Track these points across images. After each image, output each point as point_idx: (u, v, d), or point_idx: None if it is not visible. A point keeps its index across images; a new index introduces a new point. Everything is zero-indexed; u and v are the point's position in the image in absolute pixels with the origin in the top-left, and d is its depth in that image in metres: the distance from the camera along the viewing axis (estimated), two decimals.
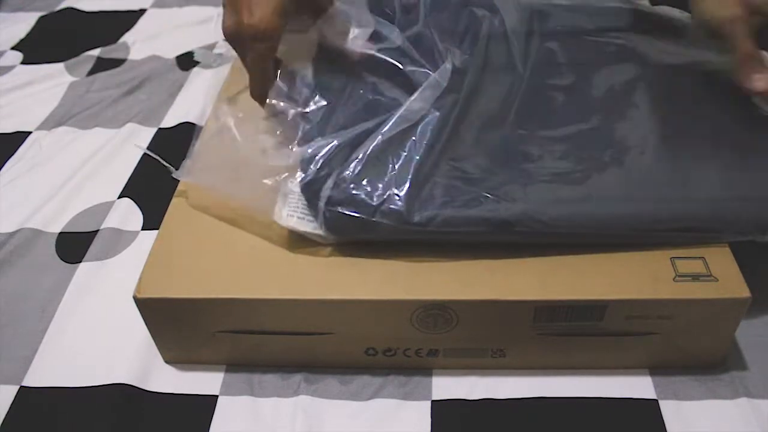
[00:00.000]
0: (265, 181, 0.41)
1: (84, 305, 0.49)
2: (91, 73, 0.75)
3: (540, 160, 0.43)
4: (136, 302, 0.40)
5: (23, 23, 0.85)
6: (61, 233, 0.55)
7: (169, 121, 0.67)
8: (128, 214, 0.56)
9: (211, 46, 0.77)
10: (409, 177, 0.40)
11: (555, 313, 0.39)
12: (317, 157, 0.41)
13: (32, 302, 0.49)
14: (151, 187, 0.58)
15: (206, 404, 0.42)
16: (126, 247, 0.53)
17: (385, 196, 0.39)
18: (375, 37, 0.46)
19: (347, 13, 0.46)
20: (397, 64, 0.46)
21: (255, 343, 0.43)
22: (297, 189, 0.41)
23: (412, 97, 0.43)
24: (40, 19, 0.86)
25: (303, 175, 0.41)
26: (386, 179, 0.40)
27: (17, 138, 0.66)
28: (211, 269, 0.41)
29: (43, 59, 0.77)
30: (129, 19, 0.85)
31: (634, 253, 0.40)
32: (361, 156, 0.41)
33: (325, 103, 0.44)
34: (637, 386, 0.42)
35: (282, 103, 0.43)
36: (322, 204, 0.40)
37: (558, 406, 0.41)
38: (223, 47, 0.77)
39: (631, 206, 0.41)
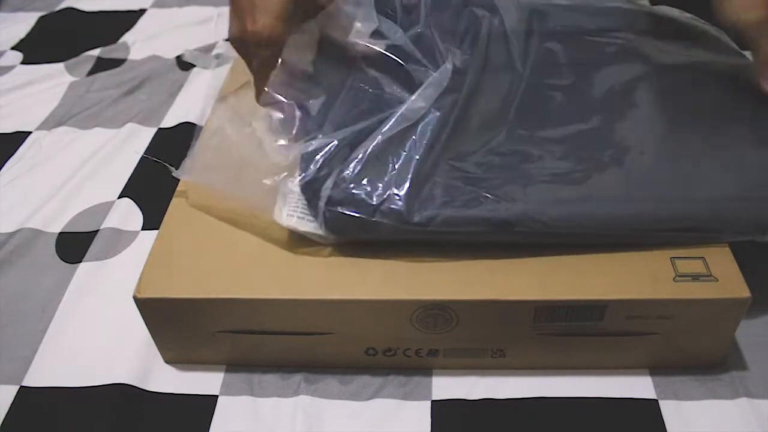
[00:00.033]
0: (265, 180, 0.41)
1: (84, 305, 0.49)
2: (91, 73, 0.75)
3: (540, 160, 0.43)
4: (136, 302, 0.40)
5: (23, 23, 0.85)
6: (61, 233, 0.55)
7: (169, 121, 0.67)
8: (128, 214, 0.56)
9: (210, 47, 0.77)
10: (409, 177, 0.40)
11: (555, 313, 0.39)
12: (317, 157, 0.41)
13: (32, 302, 0.49)
14: (151, 187, 0.58)
15: (206, 404, 0.42)
16: (126, 247, 0.53)
17: (385, 196, 0.39)
18: (377, 36, 0.46)
19: (349, 10, 0.46)
20: (399, 61, 0.46)
21: (255, 343, 0.43)
22: (297, 189, 0.41)
23: (413, 97, 0.43)
24: (40, 19, 0.86)
25: (303, 174, 0.41)
26: (386, 179, 0.40)
27: (17, 138, 0.66)
28: (211, 269, 0.41)
29: (43, 59, 0.77)
30: (129, 19, 0.85)
31: (634, 253, 0.40)
32: (361, 155, 0.41)
33: (324, 100, 0.44)
34: (637, 386, 0.42)
35: (280, 100, 0.43)
36: (322, 204, 0.40)
37: (558, 406, 0.41)
38: (222, 47, 0.77)
39: (631, 206, 0.41)
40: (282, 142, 0.42)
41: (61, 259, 0.53)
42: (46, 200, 0.58)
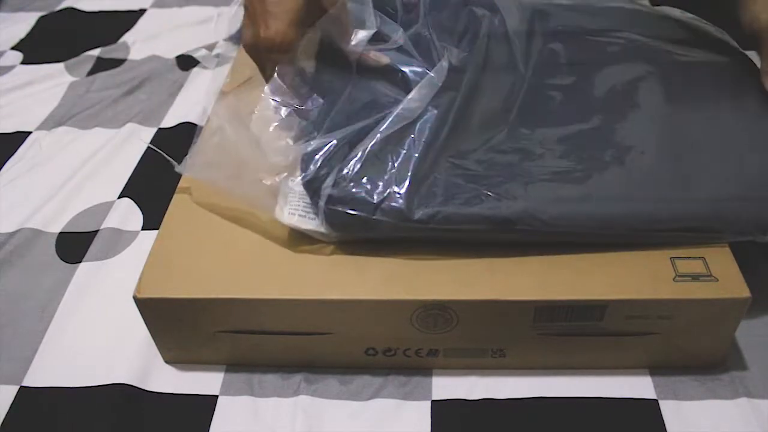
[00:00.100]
0: (265, 180, 0.42)
1: (84, 305, 0.49)
2: (91, 73, 0.75)
3: (541, 159, 0.43)
4: (136, 302, 0.40)
5: (23, 23, 0.85)
6: (61, 233, 0.55)
7: (169, 121, 0.67)
8: (128, 214, 0.56)
9: (211, 46, 0.77)
10: (409, 174, 0.40)
11: (555, 313, 0.39)
12: (317, 156, 0.41)
13: (32, 302, 0.49)
14: (151, 187, 0.58)
15: (206, 404, 0.42)
16: (126, 247, 0.53)
17: (385, 194, 0.39)
18: (377, 37, 0.46)
19: (351, 13, 0.46)
20: (397, 64, 0.46)
21: (255, 343, 0.43)
22: (298, 187, 0.41)
23: (409, 96, 0.43)
24: (40, 19, 0.86)
25: (304, 174, 0.41)
26: (386, 177, 0.40)
27: (17, 138, 0.66)
28: (211, 269, 0.41)
29: (43, 59, 0.77)
30: (129, 19, 0.85)
31: (634, 253, 0.40)
32: (360, 154, 0.41)
33: (323, 100, 0.44)
34: (637, 386, 0.42)
35: (280, 100, 0.43)
36: (322, 203, 0.40)
37: (558, 406, 0.41)
38: (222, 47, 0.77)
39: (631, 206, 0.41)
40: (282, 142, 0.42)
41: (61, 259, 0.53)
42: (46, 200, 0.58)
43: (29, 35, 0.83)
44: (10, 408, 0.43)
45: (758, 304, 0.39)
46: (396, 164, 0.41)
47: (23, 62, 0.77)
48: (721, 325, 0.40)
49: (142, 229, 0.55)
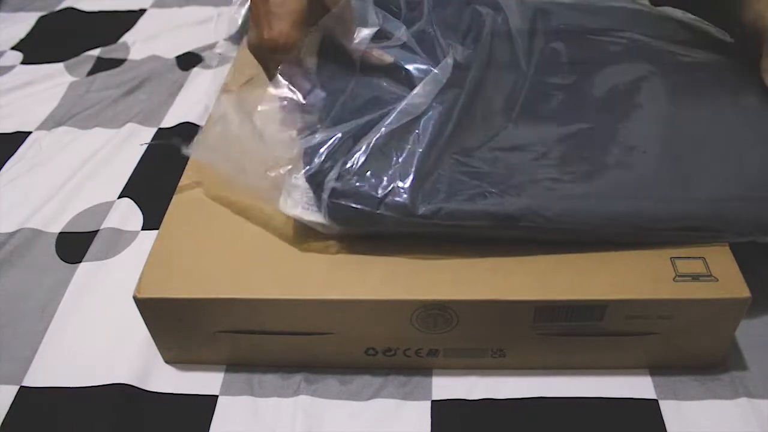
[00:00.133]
0: (269, 173, 0.41)
1: (84, 305, 0.49)
2: (91, 73, 0.75)
3: (544, 158, 0.43)
4: (136, 302, 0.40)
5: (23, 23, 0.85)
6: (61, 233, 0.55)
7: (169, 121, 0.67)
8: (128, 214, 0.56)
9: (211, 46, 0.77)
10: (413, 170, 0.40)
11: (555, 313, 0.39)
12: (321, 150, 0.41)
13: (32, 302, 0.49)
14: (151, 187, 0.58)
15: (206, 404, 0.42)
16: (126, 247, 0.53)
17: (389, 189, 0.39)
18: (381, 34, 0.46)
19: (354, 11, 0.46)
20: (401, 61, 0.46)
21: (255, 343, 0.43)
22: (302, 180, 0.41)
23: (414, 91, 0.43)
24: (40, 19, 0.86)
25: (308, 167, 0.40)
26: (390, 172, 0.40)
27: (17, 138, 0.66)
28: (211, 269, 0.41)
29: (43, 59, 0.77)
30: (129, 19, 0.85)
31: (635, 253, 0.40)
32: (364, 148, 0.41)
33: (326, 95, 0.44)
34: (637, 386, 0.42)
35: (284, 95, 0.43)
36: (326, 196, 0.40)
37: (558, 406, 0.41)
38: (223, 47, 0.77)
39: (632, 205, 0.41)
40: (286, 135, 0.42)
41: (61, 259, 0.53)
42: (46, 200, 0.58)
43: (29, 35, 0.83)
44: (10, 408, 0.43)
45: (758, 304, 0.39)
46: (400, 159, 0.41)
47: (23, 62, 0.78)
48: (721, 325, 0.40)
49: (142, 229, 0.55)
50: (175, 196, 0.46)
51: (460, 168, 0.42)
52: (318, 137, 0.41)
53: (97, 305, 0.49)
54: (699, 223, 0.40)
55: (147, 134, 0.65)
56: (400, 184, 0.40)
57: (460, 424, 0.41)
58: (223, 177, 0.43)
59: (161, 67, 0.75)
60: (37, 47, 0.81)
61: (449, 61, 0.45)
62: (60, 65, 0.76)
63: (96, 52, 0.78)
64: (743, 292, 0.38)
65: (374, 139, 0.41)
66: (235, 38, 0.74)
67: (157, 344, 0.44)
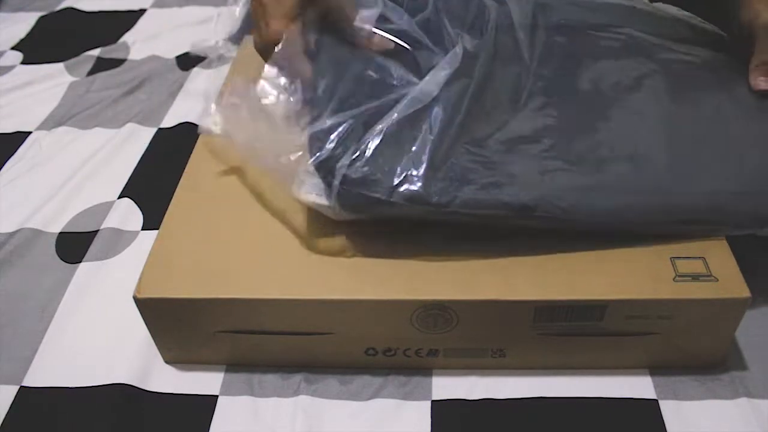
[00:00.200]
0: (281, 159, 0.41)
1: (84, 305, 0.49)
2: (91, 73, 0.75)
3: (551, 150, 0.43)
4: (136, 302, 0.40)
5: (23, 23, 0.85)
6: (61, 233, 0.55)
7: (169, 121, 0.67)
8: (128, 214, 0.56)
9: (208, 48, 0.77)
10: (426, 158, 0.40)
11: (555, 313, 0.39)
12: (332, 135, 0.40)
13: (32, 302, 0.49)
14: (151, 187, 0.58)
15: (206, 404, 0.42)
16: (126, 247, 0.53)
17: (402, 177, 0.39)
18: (382, 20, 0.46)
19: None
20: (405, 45, 0.46)
21: (255, 343, 0.43)
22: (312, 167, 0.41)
23: (425, 79, 0.43)
24: (40, 19, 0.86)
25: (318, 153, 0.40)
26: (403, 160, 0.40)
27: (17, 138, 0.66)
28: (211, 269, 0.41)
29: (43, 59, 0.77)
30: (129, 19, 0.85)
31: (634, 253, 0.40)
32: (375, 136, 0.40)
33: (328, 78, 0.44)
34: (637, 386, 0.42)
35: (283, 82, 0.43)
36: (336, 182, 0.39)
37: (558, 406, 0.41)
38: (223, 47, 0.77)
39: (636, 198, 0.41)
40: (297, 121, 0.42)
41: (61, 259, 0.53)
42: (46, 200, 0.58)
43: (29, 35, 0.83)
44: (10, 408, 0.43)
45: (758, 304, 0.39)
46: (413, 147, 0.40)
47: (23, 62, 0.78)
48: (721, 325, 0.40)
49: (142, 229, 0.55)
50: (175, 197, 0.46)
51: (473, 157, 0.41)
52: (328, 123, 0.40)
53: (97, 305, 0.49)
54: (698, 215, 0.40)
55: (147, 134, 0.65)
56: (414, 172, 0.39)
57: (460, 424, 0.41)
58: (236, 154, 0.43)
59: (161, 67, 0.75)
60: (37, 47, 0.81)
61: (459, 50, 0.45)
62: (60, 65, 0.76)
63: (96, 52, 0.78)
64: (743, 292, 0.38)
65: (385, 126, 0.40)
66: (235, 38, 0.73)
67: (157, 344, 0.44)
